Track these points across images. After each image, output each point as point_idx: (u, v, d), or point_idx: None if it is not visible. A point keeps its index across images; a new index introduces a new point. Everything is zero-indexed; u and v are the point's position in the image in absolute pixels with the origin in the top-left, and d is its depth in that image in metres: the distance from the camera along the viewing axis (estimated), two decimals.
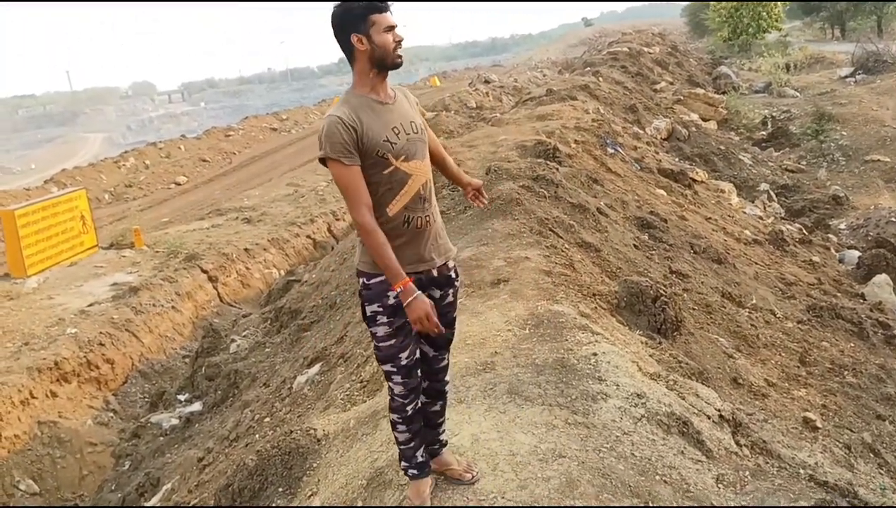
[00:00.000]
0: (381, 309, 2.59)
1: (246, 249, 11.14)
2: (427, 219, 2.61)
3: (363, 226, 2.49)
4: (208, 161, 22.14)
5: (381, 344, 2.62)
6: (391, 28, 2.53)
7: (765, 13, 35.38)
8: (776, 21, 36.11)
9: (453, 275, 2.78)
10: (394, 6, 2.59)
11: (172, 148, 23.37)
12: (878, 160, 13.60)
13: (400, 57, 2.56)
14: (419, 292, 2.48)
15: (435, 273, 2.69)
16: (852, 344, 5.72)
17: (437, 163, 2.89)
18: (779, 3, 36.09)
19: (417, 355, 2.70)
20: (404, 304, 2.45)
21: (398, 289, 2.45)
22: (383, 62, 2.53)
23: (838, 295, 7.01)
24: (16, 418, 6.81)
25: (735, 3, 35.77)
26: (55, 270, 10.65)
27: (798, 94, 20.55)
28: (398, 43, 2.55)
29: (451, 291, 2.78)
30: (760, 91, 22.32)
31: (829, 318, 6.12)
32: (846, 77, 21.66)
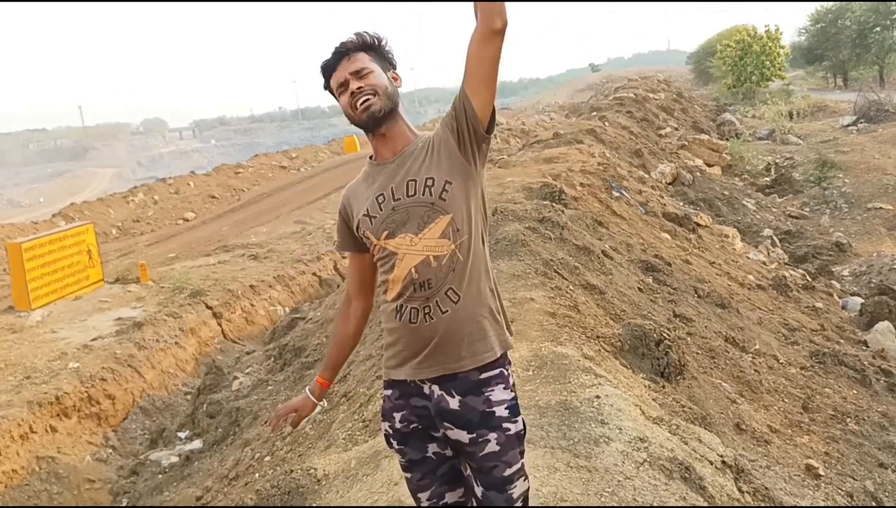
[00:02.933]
0: (389, 431, 2.11)
1: (251, 286, 11.16)
2: (427, 311, 1.97)
3: (336, 316, 2.23)
4: (217, 197, 22.31)
5: (402, 472, 2.17)
6: (343, 85, 2.05)
7: (768, 62, 35.89)
8: (779, 70, 36.67)
9: (497, 412, 1.99)
10: (353, 53, 2.08)
11: (182, 184, 23.57)
12: (881, 208, 13.67)
13: (366, 112, 2.01)
14: (310, 395, 2.25)
15: (432, 391, 2.02)
16: (855, 391, 5.69)
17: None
18: (781, 52, 36.64)
19: (448, 500, 2.12)
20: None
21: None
22: (353, 123, 2.09)
23: (841, 341, 6.99)
24: (14, 452, 6.76)
25: (739, 52, 36.34)
26: (60, 304, 10.67)
27: (801, 142, 20.75)
28: (354, 95, 2.02)
29: (492, 435, 1.97)
30: (764, 138, 22.56)
31: (831, 365, 6.10)
32: (848, 126, 21.91)
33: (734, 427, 4.42)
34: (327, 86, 2.13)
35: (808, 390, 5.46)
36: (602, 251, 6.84)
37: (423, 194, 1.99)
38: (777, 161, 18.45)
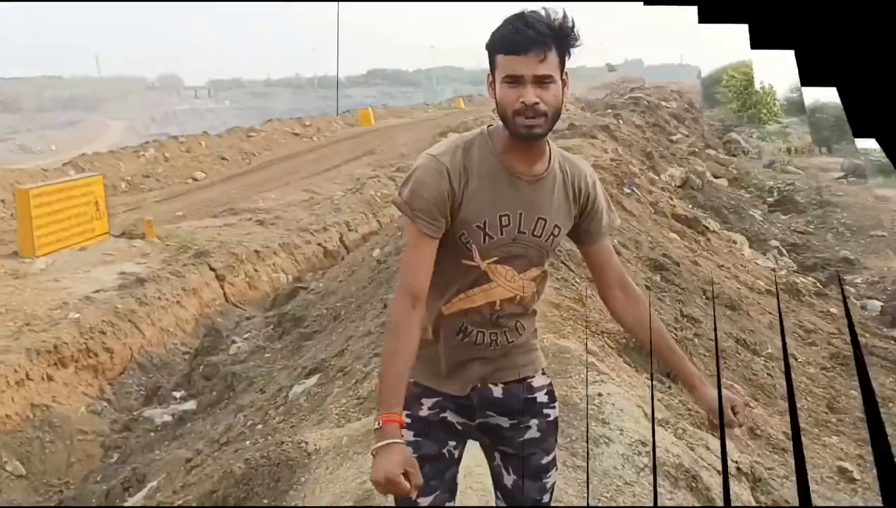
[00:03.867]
0: (408, 420, 1.87)
1: (256, 251, 11.05)
2: (493, 338, 1.90)
3: (393, 318, 1.82)
4: (228, 159, 22.09)
5: None
6: (515, 79, 1.71)
7: (764, 109, 36.86)
8: (774, 116, 37.71)
9: (539, 398, 1.99)
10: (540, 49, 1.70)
11: (193, 143, 23.34)
12: (884, 236, 13.55)
13: (528, 130, 1.72)
14: (400, 441, 1.69)
15: (470, 400, 1.93)
16: (892, 378, 5.54)
17: (630, 326, 2.05)
18: (776, 104, 37.78)
19: None
20: (374, 447, 1.69)
21: (377, 424, 1.71)
22: (504, 122, 1.79)
23: (866, 335, 6.87)
24: (9, 398, 6.69)
25: (745, 81, 37.42)
26: (64, 253, 10.57)
27: (801, 172, 20.79)
28: (526, 107, 1.70)
29: (533, 422, 1.97)
30: (766, 166, 22.61)
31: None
32: (839, 178, 21.97)
33: (748, 432, 4.31)
34: (493, 54, 1.76)
35: (832, 390, 5.34)
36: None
37: (546, 240, 1.87)
38: (779, 186, 18.46)
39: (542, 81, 1.71)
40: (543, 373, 2.06)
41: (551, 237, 1.86)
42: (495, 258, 1.82)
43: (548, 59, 1.70)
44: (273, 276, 10.92)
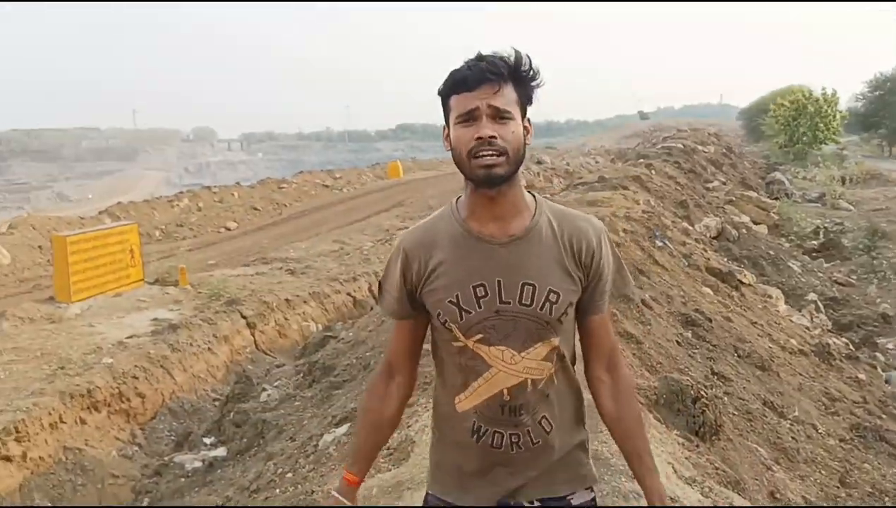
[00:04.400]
0: None
1: (287, 300, 11.26)
2: (514, 440, 1.70)
3: (366, 391, 1.79)
4: (259, 210, 22.63)
5: None
6: (469, 115, 1.60)
7: (822, 124, 35.34)
8: (833, 133, 36.05)
9: None
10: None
11: (226, 193, 23.97)
12: None
13: (486, 171, 1.59)
14: (337, 497, 1.82)
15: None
16: (895, 470, 5.50)
17: (604, 414, 1.85)
18: (838, 115, 36.10)
19: None
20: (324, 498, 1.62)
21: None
22: (462, 170, 1.65)
23: (883, 416, 6.78)
24: (43, 440, 6.87)
25: (793, 112, 35.87)
26: (99, 299, 10.89)
27: (852, 208, 20.34)
28: (481, 143, 1.58)
29: None
30: (814, 200, 22.16)
31: (872, 440, 5.92)
32: None
33: (769, 495, 4.30)
34: (445, 100, 1.66)
35: (847, 464, 5.30)
36: (642, 300, 6.77)
37: (542, 309, 1.65)
38: (826, 225, 18.11)
39: (499, 116, 1.59)
40: (591, 489, 1.81)
41: (548, 304, 1.64)
42: (480, 336, 1.65)
43: (503, 92, 1.60)
44: (303, 325, 11.10)
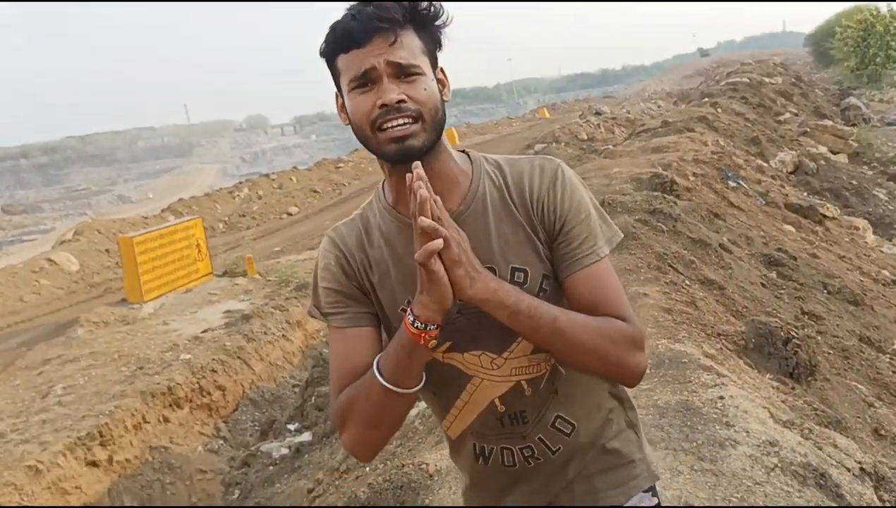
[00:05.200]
0: None
1: None
2: (528, 454, 1.42)
3: (334, 414, 1.40)
4: (318, 192, 23.00)
5: None
6: (365, 77, 1.28)
7: (894, 42, 33.61)
8: None
9: None
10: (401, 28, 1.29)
11: (284, 179, 24.43)
12: None
13: (398, 144, 1.27)
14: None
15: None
16: None
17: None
18: None
19: None
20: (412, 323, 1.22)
21: (409, 318, 1.23)
22: (368, 148, 1.34)
23: None
24: (128, 442, 7.12)
25: (861, 32, 34.22)
26: (170, 296, 11.27)
27: None
28: (387, 111, 1.26)
29: None
30: (893, 123, 21.16)
31: None
32: None
33: (872, 433, 4.20)
34: (331, 62, 1.34)
35: None
36: (720, 244, 6.62)
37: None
38: None
39: (403, 73, 1.27)
40: (651, 490, 1.48)
41: (517, 286, 1.30)
42: (448, 344, 1.34)
43: (403, 42, 1.27)
44: None
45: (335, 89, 1.38)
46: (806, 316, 5.67)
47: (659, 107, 34.91)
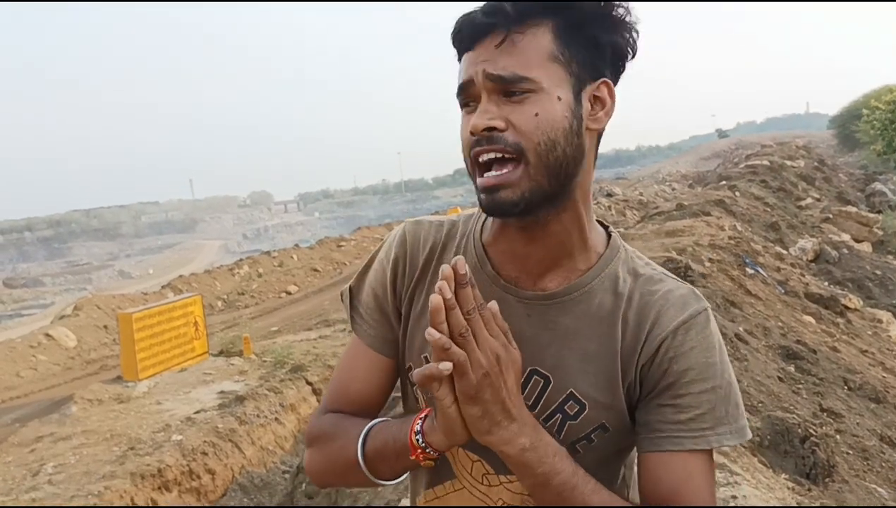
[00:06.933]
0: None
1: None
2: None
3: (308, 429, 1.25)
4: (319, 271, 23.19)
5: None
6: (466, 95, 1.04)
7: None
8: None
9: None
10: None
11: (285, 257, 24.69)
12: None
13: (487, 191, 1.01)
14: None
15: None
16: None
17: None
18: None
19: None
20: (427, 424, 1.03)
21: (417, 425, 1.04)
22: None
23: None
24: None
25: (890, 114, 34.49)
26: (165, 375, 11.27)
27: None
28: (474, 140, 1.01)
29: None
30: None
31: None
32: None
33: None
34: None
35: None
36: (735, 334, 6.60)
37: (550, 422, 1.08)
38: None
39: (505, 88, 0.99)
40: None
41: (559, 417, 1.08)
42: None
43: (516, 44, 0.99)
44: None
45: None
46: (825, 413, 5.59)
47: (673, 189, 35.33)
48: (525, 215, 1.03)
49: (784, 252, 12.91)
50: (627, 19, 1.03)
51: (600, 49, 1.03)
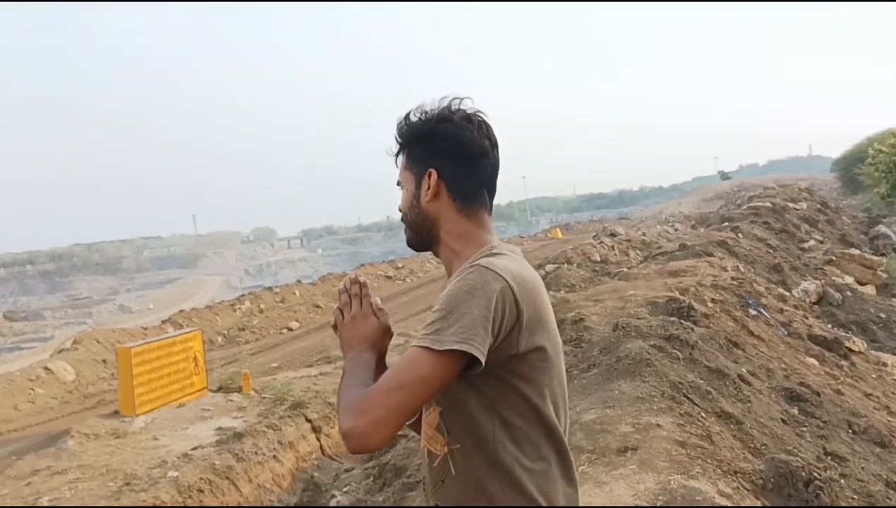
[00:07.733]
0: None
1: None
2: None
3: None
4: (321, 307, 23.12)
5: None
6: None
7: None
8: None
9: None
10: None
11: (287, 293, 24.66)
12: None
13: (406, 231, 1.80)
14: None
15: None
16: None
17: None
18: None
19: None
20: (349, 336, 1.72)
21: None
22: None
23: None
24: None
25: (894, 157, 34.52)
26: (163, 410, 11.20)
27: None
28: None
29: None
30: None
31: None
32: None
33: None
34: None
35: None
36: (738, 375, 6.56)
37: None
38: None
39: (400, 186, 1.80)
40: None
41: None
42: None
43: (400, 162, 1.78)
44: None
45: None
46: (829, 457, 5.53)
47: (676, 229, 35.35)
48: (419, 250, 1.81)
49: (787, 293, 12.89)
50: (439, 127, 1.67)
51: (422, 155, 1.70)
